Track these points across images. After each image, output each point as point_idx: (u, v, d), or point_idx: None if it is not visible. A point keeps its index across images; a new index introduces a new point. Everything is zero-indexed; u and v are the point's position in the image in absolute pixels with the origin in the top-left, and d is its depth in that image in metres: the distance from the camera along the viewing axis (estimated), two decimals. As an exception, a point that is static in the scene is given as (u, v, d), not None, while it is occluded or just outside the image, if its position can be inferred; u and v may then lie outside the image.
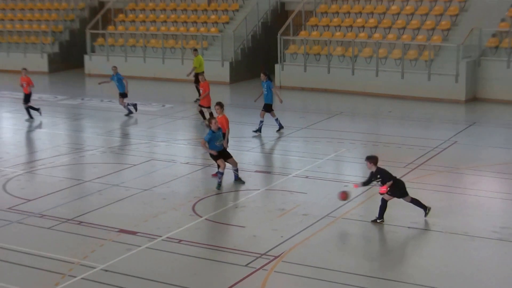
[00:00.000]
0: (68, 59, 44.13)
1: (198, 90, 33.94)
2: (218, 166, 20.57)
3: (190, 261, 16.04)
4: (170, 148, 24.84)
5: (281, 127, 27.51)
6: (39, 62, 44.32)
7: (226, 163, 20.66)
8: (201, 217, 18.55)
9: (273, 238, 16.83)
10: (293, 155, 25.23)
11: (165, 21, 43.50)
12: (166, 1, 45.22)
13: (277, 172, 22.53)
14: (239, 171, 21.16)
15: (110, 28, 44.43)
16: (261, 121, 27.21)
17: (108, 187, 21.04)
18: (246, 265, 15.30)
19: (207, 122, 22.06)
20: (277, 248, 16.19)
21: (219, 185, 20.62)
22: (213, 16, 42.41)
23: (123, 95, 31.19)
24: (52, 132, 29.24)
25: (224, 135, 20.91)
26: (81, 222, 18.09)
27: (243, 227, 17.77)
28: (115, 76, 31.17)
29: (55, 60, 44.47)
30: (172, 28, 42.56)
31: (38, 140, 28.31)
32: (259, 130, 27.07)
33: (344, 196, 18.02)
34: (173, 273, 15.21)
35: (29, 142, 28.03)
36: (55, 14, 47.06)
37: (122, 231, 17.41)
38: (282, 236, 16.90)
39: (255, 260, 15.55)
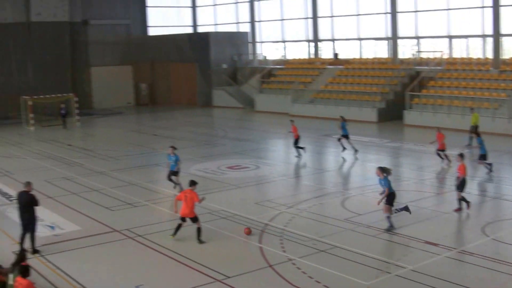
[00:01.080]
0: (391, 113, 44.20)
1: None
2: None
3: (482, 270, 15.33)
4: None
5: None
6: (370, 114, 44.74)
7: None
8: (488, 236, 17.72)
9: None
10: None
11: (465, 87, 42.18)
12: (466, 71, 43.91)
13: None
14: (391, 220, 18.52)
15: (424, 91, 43.93)
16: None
17: (418, 209, 20.55)
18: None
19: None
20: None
21: (390, 226, 18.36)
22: (502, 84, 40.45)
23: (346, 136, 30.54)
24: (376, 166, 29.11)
25: (384, 182, 18.57)
26: (396, 233, 18.09)
27: (521, 247, 16.72)
28: (342, 123, 30.66)
29: (382, 113, 44.65)
30: (471, 93, 41.15)
31: (366, 171, 28.22)
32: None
33: (247, 231, 18.15)
34: (463, 277, 14.68)
35: (359, 172, 28.22)
36: (383, 80, 47.46)
37: (427, 242, 17.16)
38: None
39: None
